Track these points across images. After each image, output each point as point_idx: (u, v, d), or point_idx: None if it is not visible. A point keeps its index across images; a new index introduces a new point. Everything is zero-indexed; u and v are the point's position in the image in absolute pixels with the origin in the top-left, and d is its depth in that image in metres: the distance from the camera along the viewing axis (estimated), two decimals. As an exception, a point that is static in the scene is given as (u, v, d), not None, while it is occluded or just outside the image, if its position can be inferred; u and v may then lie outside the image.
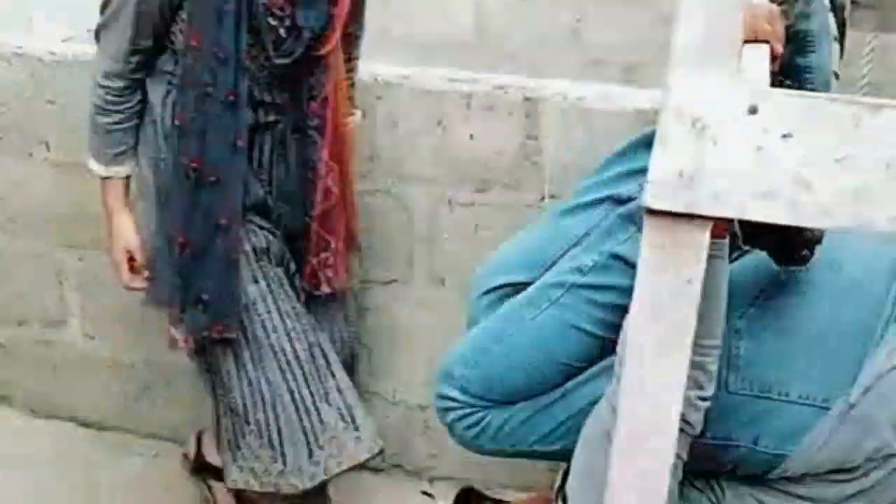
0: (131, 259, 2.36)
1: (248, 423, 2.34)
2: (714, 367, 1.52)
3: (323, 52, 2.20)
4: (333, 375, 2.35)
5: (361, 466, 2.62)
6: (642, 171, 1.74)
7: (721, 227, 1.37)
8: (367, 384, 2.85)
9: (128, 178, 2.32)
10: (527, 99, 2.43)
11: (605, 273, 1.73)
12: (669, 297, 1.12)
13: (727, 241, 1.36)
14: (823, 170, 1.02)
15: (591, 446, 1.65)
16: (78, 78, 2.71)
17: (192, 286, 2.23)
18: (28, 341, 3.12)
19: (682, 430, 1.55)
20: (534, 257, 1.89)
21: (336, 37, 2.22)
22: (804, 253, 1.57)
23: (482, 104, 2.46)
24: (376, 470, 2.87)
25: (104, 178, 2.31)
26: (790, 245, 1.56)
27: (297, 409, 2.33)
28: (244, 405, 2.33)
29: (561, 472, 1.98)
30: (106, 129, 2.25)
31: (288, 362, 2.31)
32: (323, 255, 2.34)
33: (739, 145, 1.03)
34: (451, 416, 1.87)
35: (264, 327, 2.29)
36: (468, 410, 1.84)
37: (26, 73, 2.76)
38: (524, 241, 1.99)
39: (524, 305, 1.82)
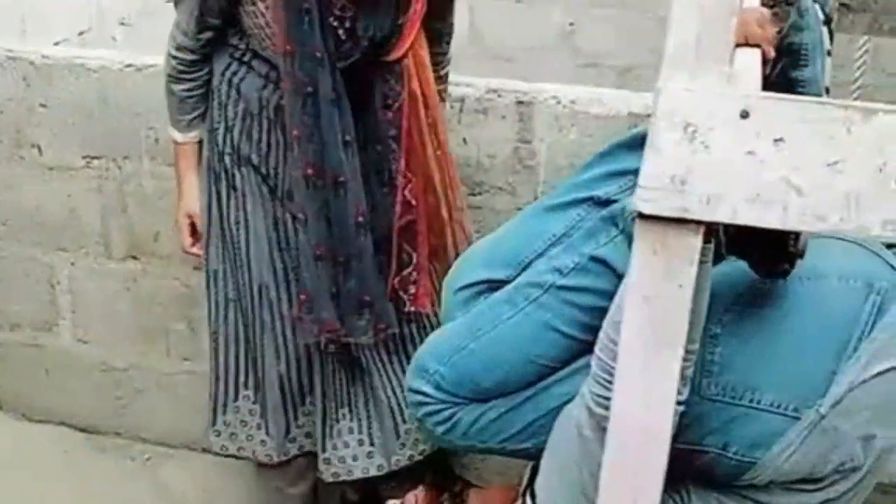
0: (192, 224, 2.39)
1: (246, 386, 2.40)
2: (690, 372, 1.52)
3: (391, 58, 2.16)
4: (325, 370, 2.38)
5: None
6: (623, 173, 1.76)
7: (707, 231, 1.37)
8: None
9: (200, 142, 2.34)
10: (520, 102, 2.43)
11: (585, 275, 1.73)
12: (661, 302, 1.12)
13: (712, 245, 1.35)
14: (815, 174, 1.02)
15: (562, 445, 1.65)
16: (70, 81, 2.70)
17: (347, 293, 2.22)
18: (19, 345, 3.12)
19: None
20: (511, 254, 1.89)
21: (407, 44, 2.16)
22: (785, 266, 1.57)
23: (475, 108, 2.46)
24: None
25: (180, 145, 2.34)
26: (772, 257, 1.56)
27: (283, 392, 2.39)
28: (246, 370, 2.39)
29: (528, 469, 1.98)
30: (180, 97, 2.28)
31: (287, 351, 2.34)
32: (405, 272, 2.27)
33: (731, 150, 1.03)
34: (423, 410, 1.86)
35: (271, 312, 2.33)
36: (440, 406, 1.84)
37: (18, 76, 2.75)
38: (502, 237, 1.98)
39: (502, 303, 1.82)
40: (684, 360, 1.45)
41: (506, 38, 4.85)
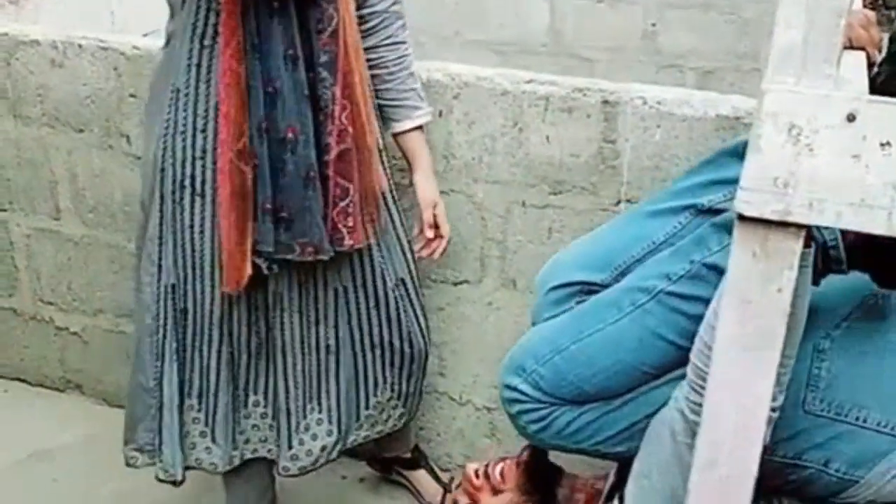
0: None
1: (189, 395, 2.34)
2: (787, 378, 1.50)
3: None
4: (280, 375, 2.36)
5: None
6: (729, 182, 1.73)
7: (807, 235, 1.35)
8: (436, 384, 2.86)
9: None
10: (605, 102, 2.41)
11: (696, 283, 1.68)
12: (758, 306, 1.11)
13: (812, 249, 1.34)
14: (923, 180, 1.01)
15: (655, 450, 1.64)
16: (160, 72, 2.75)
17: (267, 203, 2.11)
18: (102, 331, 3.18)
19: None
20: (608, 258, 1.86)
21: None
22: None
23: (560, 106, 2.45)
24: (443, 470, 2.87)
25: None
26: (892, 268, 1.54)
27: (232, 397, 2.36)
28: (191, 380, 2.33)
29: (615, 471, 1.96)
30: None
31: (239, 351, 2.31)
32: (342, 203, 2.17)
33: (836, 153, 1.02)
34: (517, 408, 1.84)
35: (230, 319, 2.28)
36: (536, 405, 1.81)
37: (109, 67, 2.80)
38: (599, 239, 1.95)
39: (606, 307, 1.79)
40: (783, 365, 1.44)
41: (586, 38, 4.84)
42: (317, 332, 2.35)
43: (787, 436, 1.63)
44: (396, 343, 2.43)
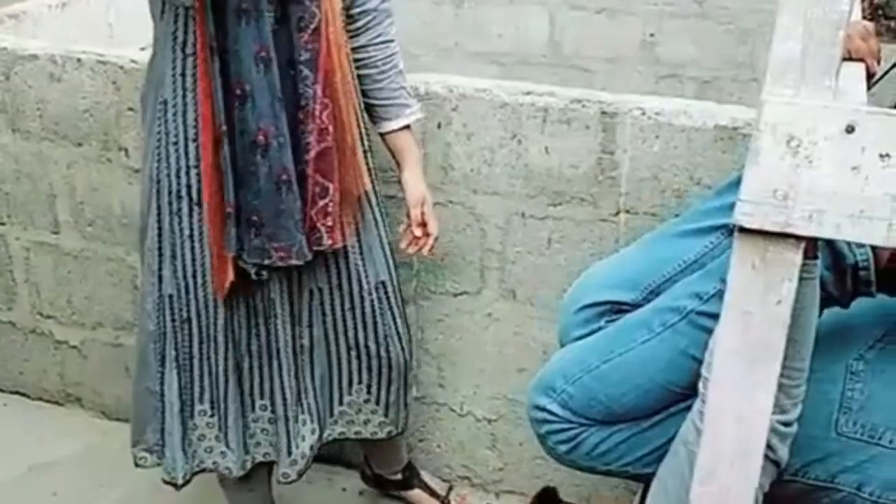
0: None
1: (201, 401, 2.34)
2: (799, 392, 1.48)
3: None
4: (278, 381, 2.36)
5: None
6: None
7: (812, 246, 1.35)
8: (435, 395, 2.86)
9: None
10: (604, 113, 2.41)
11: None
12: (758, 318, 1.11)
13: (818, 262, 1.33)
14: (922, 191, 1.00)
15: (670, 463, 1.62)
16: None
17: (239, 206, 2.12)
18: (101, 344, 3.18)
19: (764, 456, 1.52)
20: (639, 277, 1.83)
21: None
22: None
23: (559, 118, 2.45)
24: (444, 481, 2.87)
25: None
26: None
27: (241, 401, 2.36)
28: (201, 386, 2.33)
29: (639, 494, 1.94)
30: None
31: (239, 357, 2.31)
32: (321, 202, 2.15)
33: (835, 164, 1.02)
34: (546, 428, 1.82)
35: (234, 321, 2.28)
36: (566, 426, 1.78)
37: (108, 81, 2.80)
38: (626, 259, 1.92)
39: (636, 327, 1.76)
40: (791, 378, 1.43)
41: (585, 49, 4.84)
42: (294, 333, 2.34)
43: (819, 458, 1.62)
44: (372, 346, 2.40)
